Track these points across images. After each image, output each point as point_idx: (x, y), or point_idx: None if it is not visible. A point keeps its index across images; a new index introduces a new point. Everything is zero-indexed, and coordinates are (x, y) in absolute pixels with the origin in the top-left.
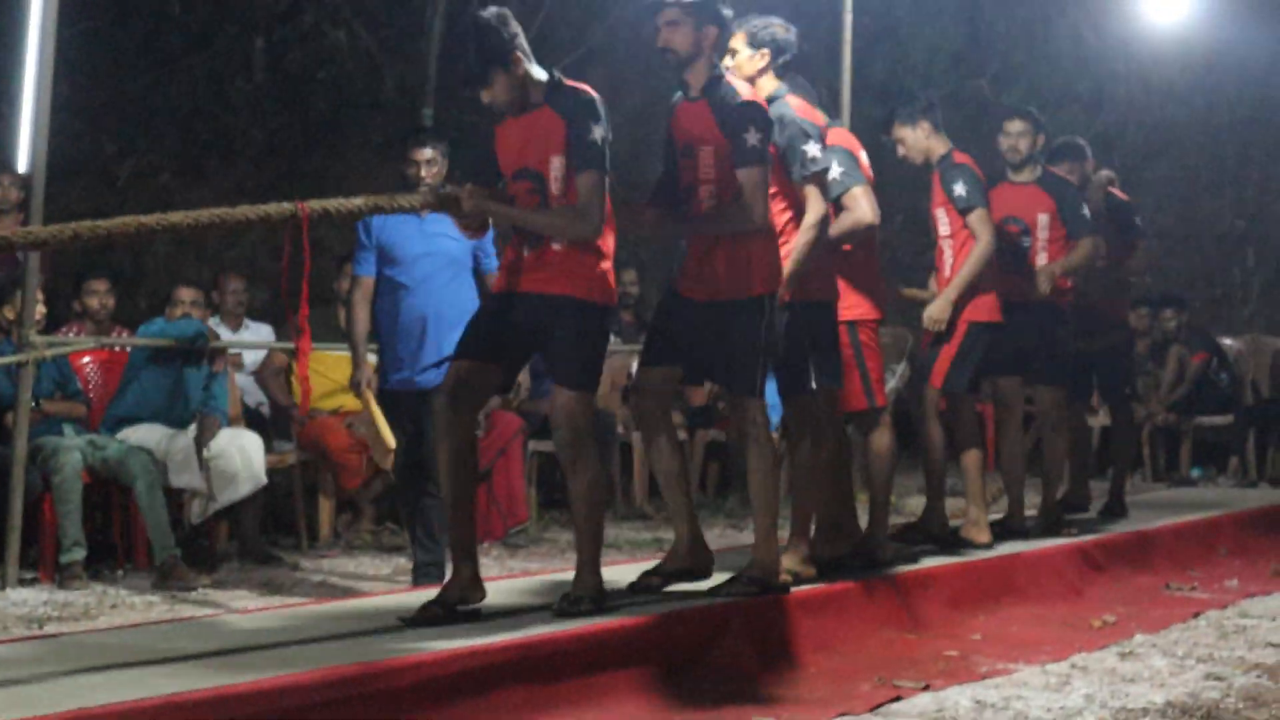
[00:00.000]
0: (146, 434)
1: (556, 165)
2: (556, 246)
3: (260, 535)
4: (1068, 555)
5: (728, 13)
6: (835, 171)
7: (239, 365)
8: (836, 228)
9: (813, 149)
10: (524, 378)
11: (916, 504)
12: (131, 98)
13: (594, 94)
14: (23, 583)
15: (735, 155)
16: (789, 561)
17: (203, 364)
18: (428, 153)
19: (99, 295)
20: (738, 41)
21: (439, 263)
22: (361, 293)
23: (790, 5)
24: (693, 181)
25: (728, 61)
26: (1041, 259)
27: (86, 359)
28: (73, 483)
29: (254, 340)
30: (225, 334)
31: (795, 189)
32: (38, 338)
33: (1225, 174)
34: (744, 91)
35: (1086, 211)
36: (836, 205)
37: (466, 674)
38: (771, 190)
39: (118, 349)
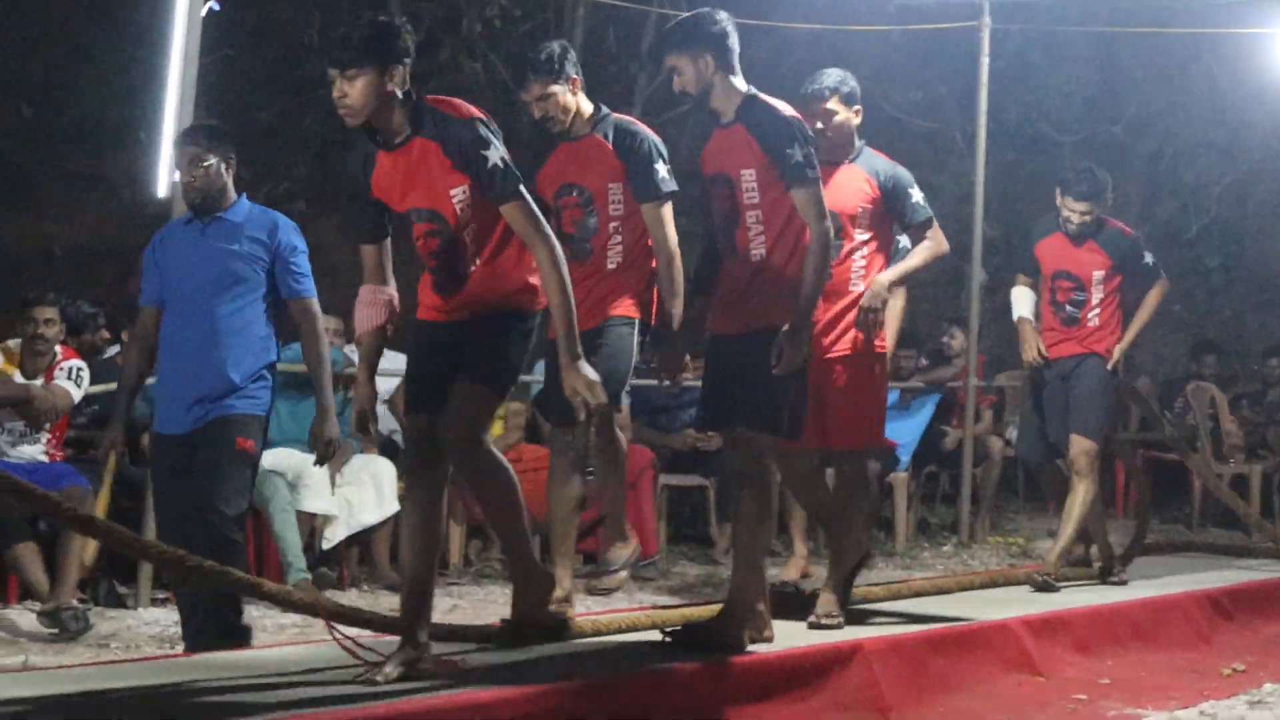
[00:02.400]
0: (281, 458)
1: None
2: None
3: (390, 561)
4: (1197, 602)
5: (717, 29)
6: (918, 196)
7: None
8: (918, 258)
9: (918, 194)
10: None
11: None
12: (266, 125)
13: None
14: (155, 603)
15: (783, 174)
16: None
17: (337, 390)
18: (190, 151)
19: None
20: (834, 104)
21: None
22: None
23: (926, 49)
24: (733, 210)
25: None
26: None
27: None
28: None
29: (389, 367)
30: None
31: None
32: None
33: None
34: (784, 110)
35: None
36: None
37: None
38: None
39: None
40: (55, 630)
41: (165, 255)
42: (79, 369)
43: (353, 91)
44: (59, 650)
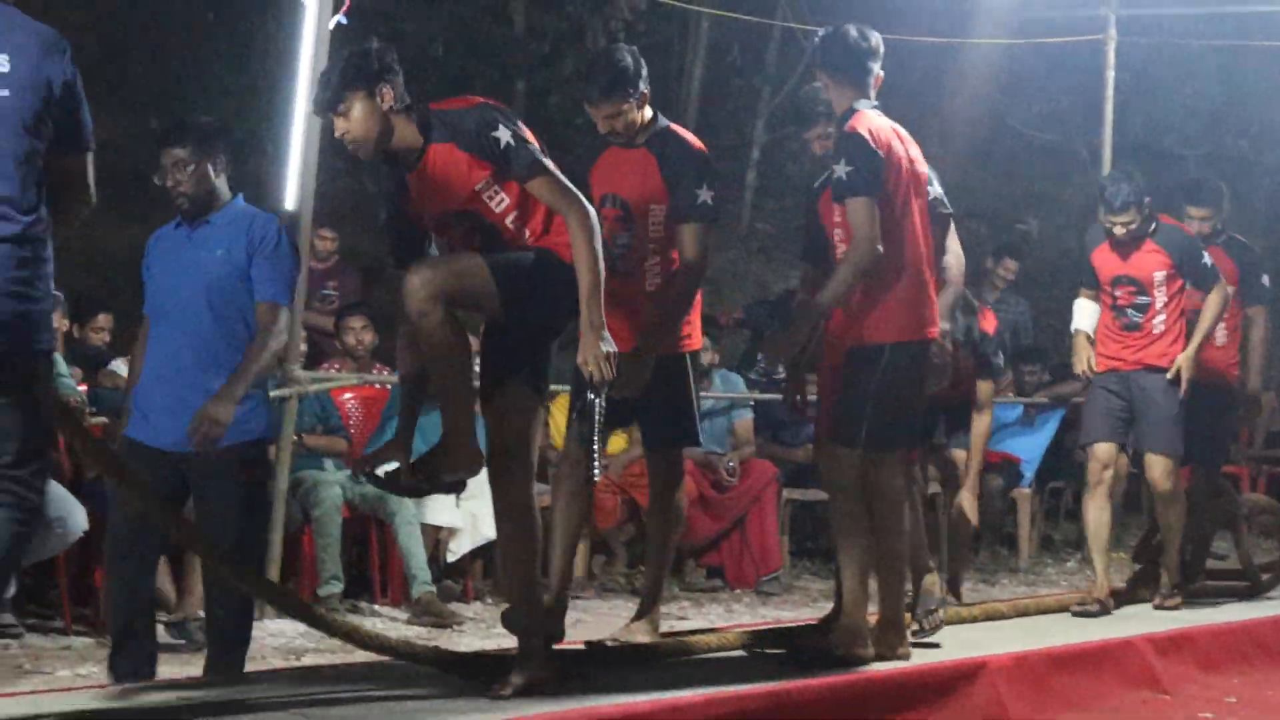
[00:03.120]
0: None
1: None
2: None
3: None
4: None
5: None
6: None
7: None
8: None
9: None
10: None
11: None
12: None
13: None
14: (281, 614)
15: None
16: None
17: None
18: (175, 154)
19: (356, 332)
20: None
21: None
22: None
23: (1050, 62)
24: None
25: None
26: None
27: (348, 395)
28: (332, 516)
29: None
30: None
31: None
32: (301, 373)
33: None
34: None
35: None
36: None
37: None
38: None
39: (378, 385)
40: (182, 641)
41: (154, 260)
42: None
43: (351, 123)
44: (185, 661)
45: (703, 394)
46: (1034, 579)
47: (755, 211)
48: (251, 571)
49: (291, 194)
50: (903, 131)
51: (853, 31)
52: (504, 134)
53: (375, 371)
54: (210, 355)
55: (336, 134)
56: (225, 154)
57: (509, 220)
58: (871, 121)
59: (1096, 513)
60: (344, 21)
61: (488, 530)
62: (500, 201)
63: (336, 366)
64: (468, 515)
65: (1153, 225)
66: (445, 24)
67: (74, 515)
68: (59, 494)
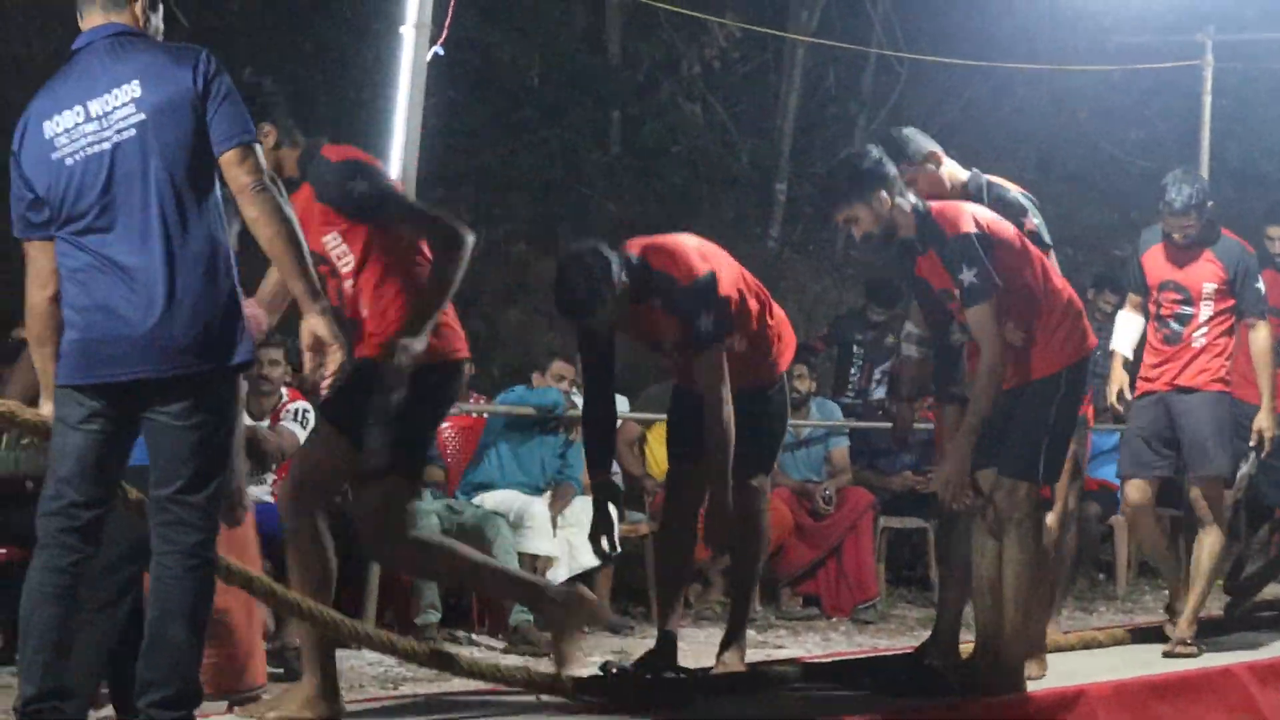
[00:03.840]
0: (502, 499)
1: None
2: None
3: (611, 603)
4: None
5: (879, 159)
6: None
7: None
8: None
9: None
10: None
11: None
12: (488, 168)
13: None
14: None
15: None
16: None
17: (559, 432)
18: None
19: None
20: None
21: None
22: None
23: (1146, 88)
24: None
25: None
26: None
27: (445, 425)
28: None
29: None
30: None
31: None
32: None
33: None
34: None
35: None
36: None
37: None
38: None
39: (474, 415)
40: (280, 670)
41: None
42: (305, 411)
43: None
44: (284, 689)
45: (799, 422)
46: (1131, 606)
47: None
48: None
49: None
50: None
51: (869, 154)
52: (361, 185)
53: (471, 401)
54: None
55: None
56: None
57: (348, 285)
58: (959, 210)
59: (1150, 548)
60: (440, 52)
61: (585, 559)
62: (346, 262)
63: None
64: (564, 544)
65: (1214, 235)
66: (541, 53)
67: None
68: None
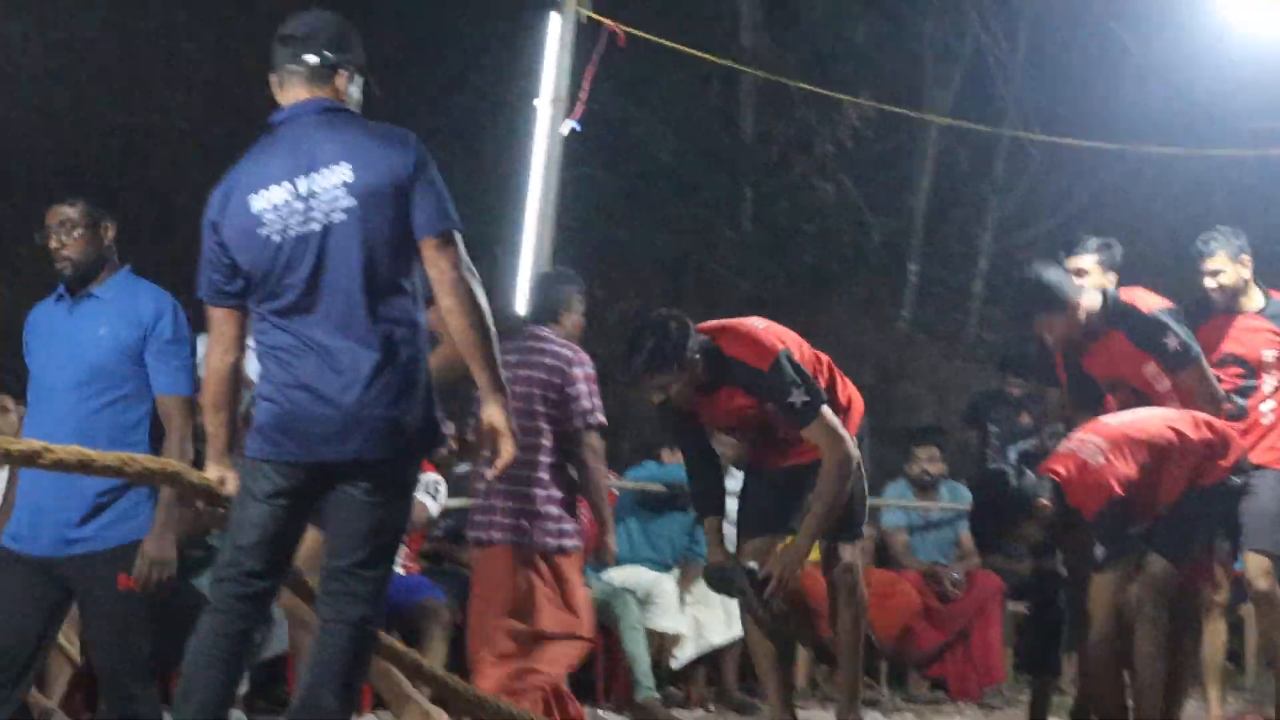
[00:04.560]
0: (631, 575)
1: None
2: None
3: (738, 682)
4: None
5: (1056, 282)
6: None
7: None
8: None
9: None
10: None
11: None
12: (621, 242)
13: None
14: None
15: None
16: None
17: (688, 510)
18: (63, 211)
19: None
20: (1089, 262)
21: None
22: None
23: None
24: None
25: (1083, 283)
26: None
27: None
28: None
29: (740, 486)
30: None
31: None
32: None
33: None
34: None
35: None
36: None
37: None
38: None
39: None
40: None
41: (33, 339)
42: (436, 483)
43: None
44: None
45: (927, 504)
46: (1260, 697)
47: (983, 322)
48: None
49: (523, 299)
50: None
51: (1043, 273)
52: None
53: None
54: (92, 448)
55: None
56: (111, 218)
57: None
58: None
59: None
60: (577, 128)
61: (713, 637)
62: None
63: None
64: (692, 621)
65: (1263, 301)
66: (676, 130)
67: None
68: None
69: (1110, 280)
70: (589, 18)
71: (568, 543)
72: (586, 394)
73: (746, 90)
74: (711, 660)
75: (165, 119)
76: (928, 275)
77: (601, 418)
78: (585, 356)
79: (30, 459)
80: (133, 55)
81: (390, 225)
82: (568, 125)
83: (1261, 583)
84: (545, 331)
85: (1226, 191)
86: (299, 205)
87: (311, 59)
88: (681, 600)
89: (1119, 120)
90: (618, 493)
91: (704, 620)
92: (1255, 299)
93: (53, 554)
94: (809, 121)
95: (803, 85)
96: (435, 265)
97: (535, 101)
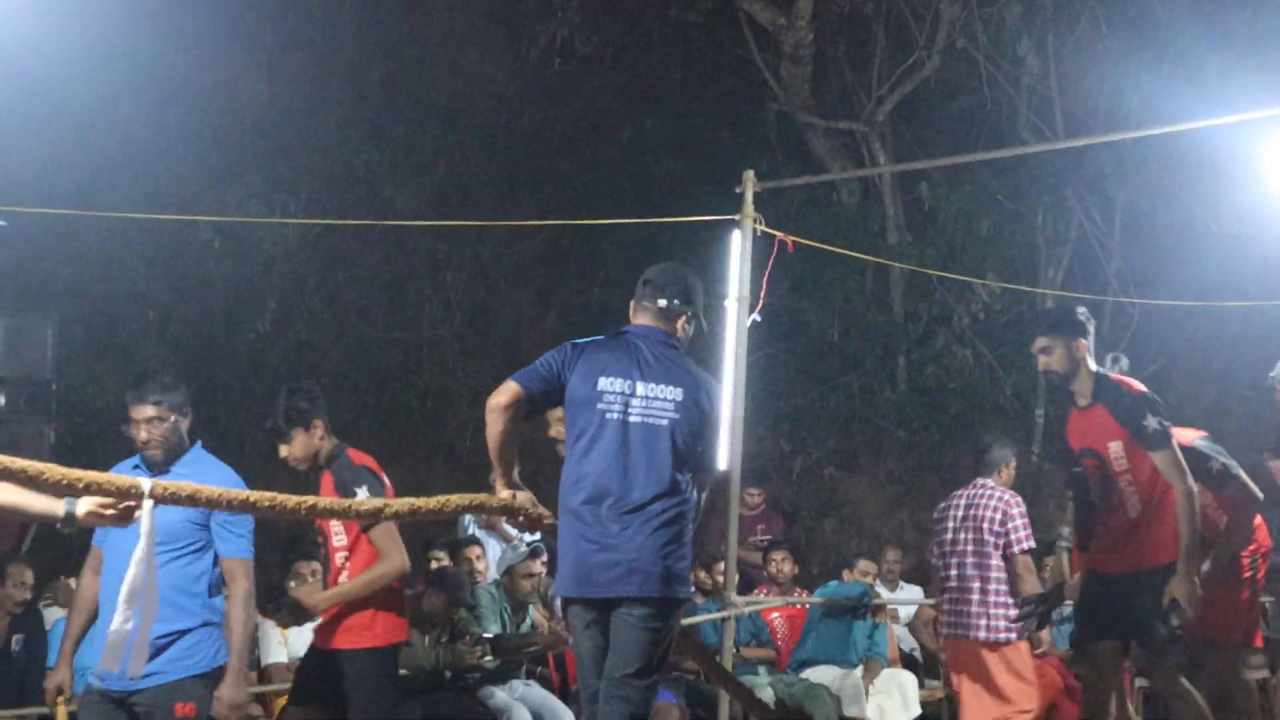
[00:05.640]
0: (824, 673)
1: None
2: None
3: None
4: None
5: (1087, 320)
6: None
7: (896, 618)
8: None
9: None
10: None
11: None
12: (800, 408)
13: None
14: None
15: (1144, 442)
16: None
17: (867, 617)
18: (148, 410)
19: (779, 563)
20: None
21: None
22: None
23: None
24: (1107, 477)
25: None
26: None
27: (775, 614)
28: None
29: (907, 598)
30: (885, 593)
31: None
32: (737, 598)
33: None
34: (1135, 387)
35: None
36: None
37: None
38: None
39: (799, 605)
40: None
41: None
42: None
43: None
44: None
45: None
46: None
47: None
48: None
49: (724, 457)
50: None
51: (1075, 307)
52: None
53: (795, 594)
54: (163, 600)
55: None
56: (188, 405)
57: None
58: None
59: None
60: (759, 319)
61: (895, 718)
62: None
63: (764, 591)
64: (876, 709)
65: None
66: (839, 315)
67: (564, 718)
68: (549, 701)
69: None
70: (764, 231)
71: (1013, 635)
72: (1020, 527)
73: (895, 279)
74: None
75: (433, 332)
76: (1051, 417)
77: (1031, 544)
78: (1019, 499)
79: None
80: (401, 284)
81: (689, 443)
82: (752, 318)
83: None
84: (989, 481)
85: None
86: (634, 401)
87: (662, 303)
88: (866, 692)
89: (1202, 281)
90: (809, 607)
91: (885, 706)
92: None
93: (128, 689)
94: (947, 301)
95: (941, 273)
96: (700, 485)
97: (725, 301)
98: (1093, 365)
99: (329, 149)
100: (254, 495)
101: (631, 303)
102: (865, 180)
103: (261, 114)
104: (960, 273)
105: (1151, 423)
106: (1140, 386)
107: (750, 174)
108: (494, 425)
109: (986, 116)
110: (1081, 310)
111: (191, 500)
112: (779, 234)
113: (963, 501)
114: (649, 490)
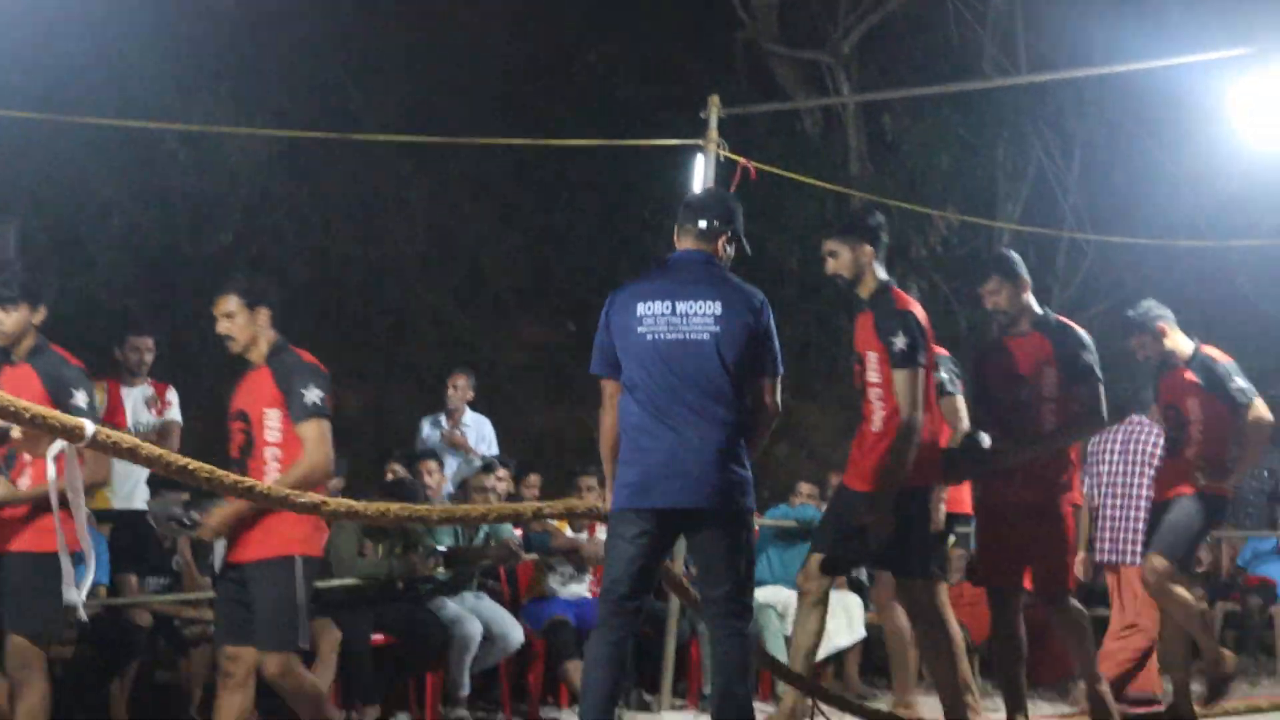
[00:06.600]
0: (771, 594)
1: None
2: None
3: (860, 677)
4: None
5: (881, 223)
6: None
7: None
8: None
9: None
10: None
11: None
12: None
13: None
14: (673, 708)
15: (892, 360)
16: None
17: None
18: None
19: None
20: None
21: None
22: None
23: None
24: (862, 385)
25: None
26: None
27: None
28: None
29: None
30: None
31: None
32: None
33: None
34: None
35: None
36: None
37: None
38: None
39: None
40: None
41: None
42: None
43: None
44: None
45: None
46: None
47: None
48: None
49: None
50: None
51: (877, 215)
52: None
53: None
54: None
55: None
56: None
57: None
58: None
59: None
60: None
61: (838, 641)
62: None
63: None
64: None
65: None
66: (799, 242)
67: (512, 632)
68: (499, 614)
69: None
70: (727, 157)
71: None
72: None
73: (854, 209)
74: (835, 660)
75: (396, 249)
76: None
77: None
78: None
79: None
80: (366, 201)
81: (739, 357)
82: None
83: None
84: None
85: (1248, 276)
86: (675, 320)
87: (703, 224)
88: None
89: (1157, 219)
90: (759, 528)
91: (830, 628)
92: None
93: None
94: (905, 232)
95: (901, 203)
96: (760, 397)
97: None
98: (881, 274)
99: (297, 62)
100: (193, 464)
101: (675, 228)
102: (829, 110)
103: (231, 25)
104: (919, 205)
105: (899, 341)
106: (915, 307)
107: (715, 99)
108: (605, 419)
109: (952, 51)
110: (875, 217)
111: (131, 455)
112: (742, 160)
113: (1119, 436)
114: (700, 404)
